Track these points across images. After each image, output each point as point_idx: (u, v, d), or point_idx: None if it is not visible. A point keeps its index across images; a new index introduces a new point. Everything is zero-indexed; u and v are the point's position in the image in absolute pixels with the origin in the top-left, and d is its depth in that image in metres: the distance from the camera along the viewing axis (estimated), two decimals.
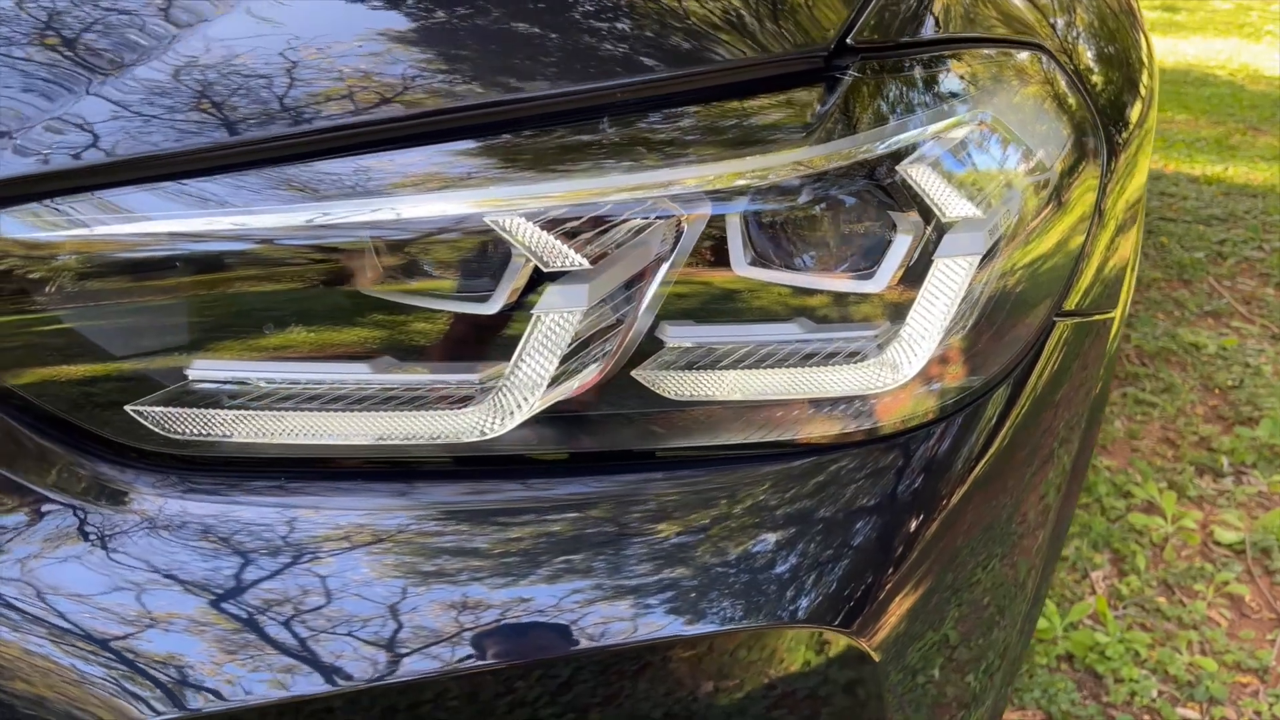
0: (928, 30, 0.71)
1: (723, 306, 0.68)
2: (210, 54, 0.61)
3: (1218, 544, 1.99)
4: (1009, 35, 0.76)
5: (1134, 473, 2.16)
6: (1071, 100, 0.78)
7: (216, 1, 0.63)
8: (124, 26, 0.62)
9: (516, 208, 0.60)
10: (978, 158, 0.69)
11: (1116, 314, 0.88)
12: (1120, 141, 0.85)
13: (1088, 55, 0.89)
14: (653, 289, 0.64)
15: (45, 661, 0.59)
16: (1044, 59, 0.77)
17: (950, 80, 0.70)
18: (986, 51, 0.73)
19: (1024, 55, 0.76)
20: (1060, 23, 0.87)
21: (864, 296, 0.68)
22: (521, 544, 0.64)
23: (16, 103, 0.59)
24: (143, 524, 0.62)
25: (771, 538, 0.66)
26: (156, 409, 0.62)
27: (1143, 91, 0.96)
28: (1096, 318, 0.84)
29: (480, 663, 0.61)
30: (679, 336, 0.67)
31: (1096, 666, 1.70)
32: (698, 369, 0.66)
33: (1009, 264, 0.71)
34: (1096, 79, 0.86)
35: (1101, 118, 0.81)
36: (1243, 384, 2.46)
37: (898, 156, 0.65)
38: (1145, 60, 1.03)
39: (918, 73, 0.69)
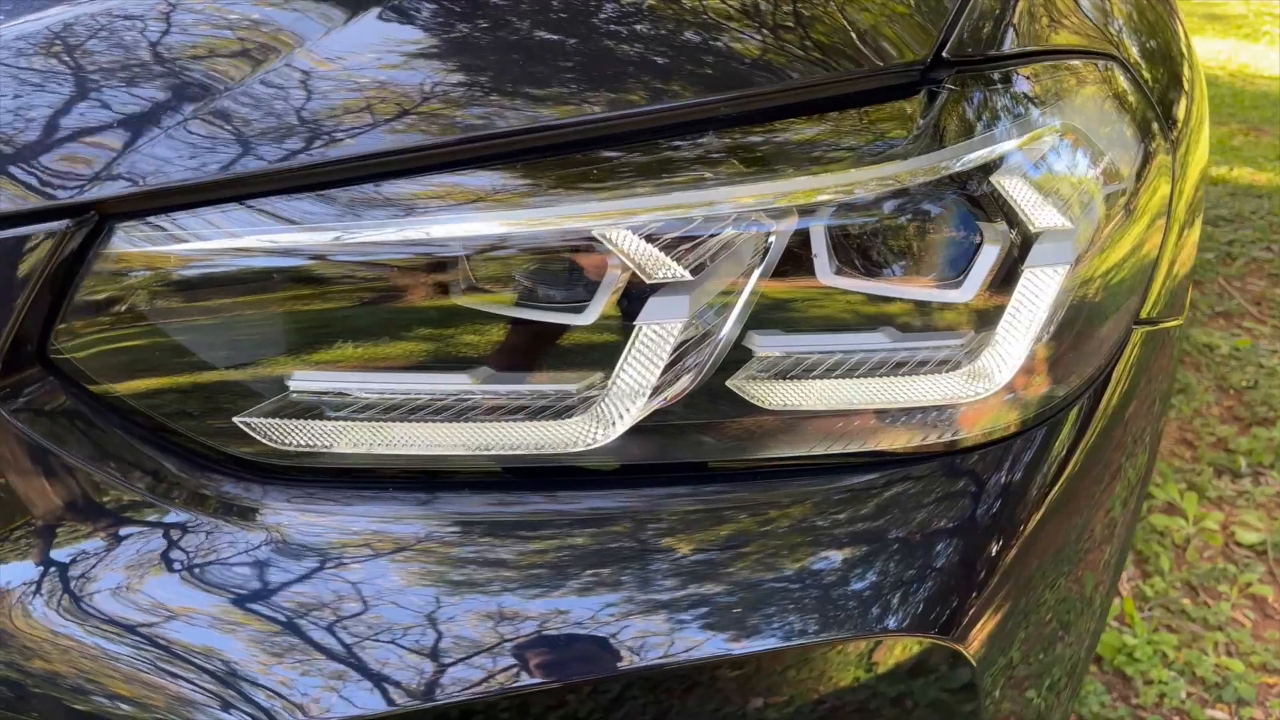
0: (1012, 43, 0.71)
1: (809, 316, 0.68)
2: (310, 76, 0.62)
3: (1239, 545, 2.00)
4: (1085, 46, 0.77)
5: (1154, 474, 2.17)
6: (1141, 107, 0.79)
7: (326, 21, 0.64)
8: (224, 51, 0.63)
9: (620, 221, 0.60)
10: (1061, 167, 0.70)
11: (1181, 320, 0.89)
12: (1176, 140, 0.85)
13: (1147, 60, 0.89)
14: (743, 299, 0.65)
15: (202, 671, 0.59)
16: (1115, 67, 0.78)
17: (1034, 92, 0.71)
18: (1066, 63, 0.74)
19: (1099, 65, 0.76)
20: (1123, 30, 0.88)
21: (951, 306, 0.69)
22: (621, 552, 0.64)
23: (126, 121, 0.60)
24: (273, 538, 0.63)
25: (866, 549, 0.66)
26: (264, 420, 0.62)
27: (1186, 86, 0.96)
28: (1166, 325, 0.84)
29: (628, 667, 0.62)
30: (768, 346, 0.67)
31: (1125, 668, 1.71)
32: (790, 378, 0.66)
33: (1092, 272, 0.72)
34: (1156, 83, 0.87)
35: (1165, 121, 0.82)
36: (1257, 385, 2.47)
37: (989, 168, 0.66)
38: (1186, 51, 1.03)
39: (1005, 85, 0.69)
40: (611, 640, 0.62)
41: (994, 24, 0.70)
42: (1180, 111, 0.90)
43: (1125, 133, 0.76)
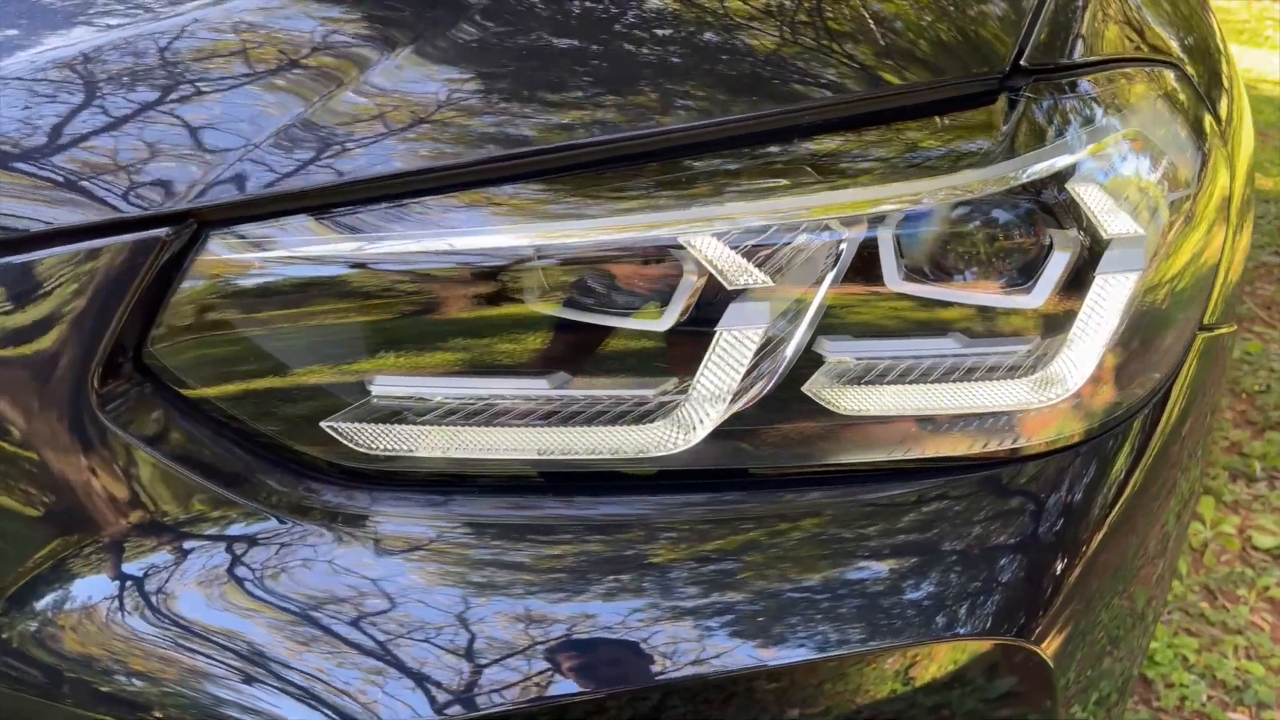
0: (1081, 52, 0.71)
1: (879, 322, 0.68)
2: (413, 83, 0.62)
3: (1256, 549, 2.01)
4: (1149, 55, 0.77)
5: None
6: (1195, 108, 0.79)
7: (416, 31, 0.64)
8: (309, 67, 0.63)
9: (702, 228, 0.61)
10: (1130, 172, 0.70)
11: (1234, 328, 0.89)
12: (1226, 139, 0.86)
13: (1195, 60, 0.90)
14: (815, 305, 0.65)
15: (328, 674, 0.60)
16: (1176, 74, 0.78)
17: (1103, 98, 0.71)
18: (1132, 70, 0.74)
19: (1162, 72, 0.77)
20: (1176, 31, 0.88)
21: (1020, 312, 0.69)
22: (712, 553, 0.64)
23: (221, 133, 0.60)
24: (380, 540, 0.63)
25: (940, 554, 0.67)
26: (350, 424, 0.62)
27: (1226, 83, 0.97)
28: (1223, 331, 0.84)
29: (743, 668, 0.62)
30: (839, 351, 0.67)
31: (1147, 671, 1.71)
32: (863, 383, 0.66)
33: (1160, 277, 0.72)
34: (1204, 82, 0.87)
35: (1216, 120, 0.83)
36: (1270, 389, 2.48)
37: (1062, 175, 0.66)
38: (1221, 46, 1.04)
39: (1076, 93, 0.69)
40: (724, 644, 0.63)
41: (1064, 33, 0.71)
42: (1225, 109, 0.91)
43: (1183, 135, 0.77)
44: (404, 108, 0.61)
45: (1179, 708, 1.66)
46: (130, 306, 0.59)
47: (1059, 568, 0.69)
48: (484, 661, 0.61)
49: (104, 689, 0.62)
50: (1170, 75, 0.78)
